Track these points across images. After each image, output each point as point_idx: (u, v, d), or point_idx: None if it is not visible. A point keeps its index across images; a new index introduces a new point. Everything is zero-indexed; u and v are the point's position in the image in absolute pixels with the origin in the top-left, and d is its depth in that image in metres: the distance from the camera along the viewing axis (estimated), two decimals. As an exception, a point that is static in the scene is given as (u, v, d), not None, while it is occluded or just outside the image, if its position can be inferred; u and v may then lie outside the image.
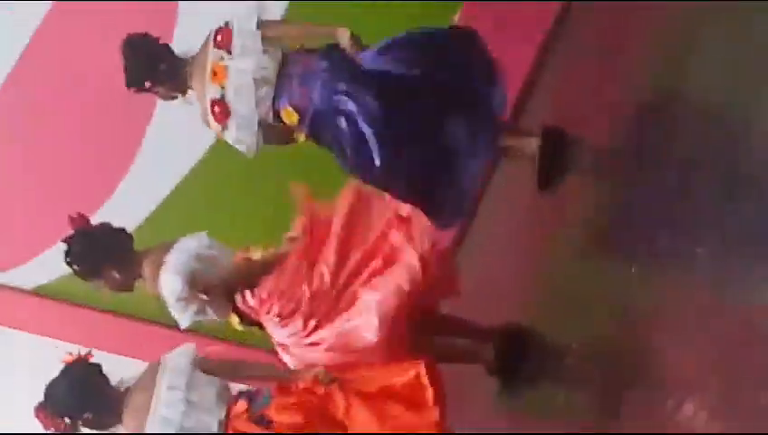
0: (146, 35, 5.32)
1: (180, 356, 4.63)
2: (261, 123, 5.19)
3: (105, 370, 4.67)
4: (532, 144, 5.35)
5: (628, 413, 3.86)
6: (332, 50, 5.16)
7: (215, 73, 5.17)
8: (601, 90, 5.27)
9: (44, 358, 5.41)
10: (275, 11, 6.21)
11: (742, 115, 3.77)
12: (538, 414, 4.65)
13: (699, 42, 4.32)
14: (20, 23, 6.49)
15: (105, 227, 4.93)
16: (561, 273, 4.95)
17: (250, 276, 4.71)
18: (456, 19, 6.47)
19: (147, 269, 4.79)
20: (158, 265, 4.74)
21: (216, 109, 5.17)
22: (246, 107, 5.16)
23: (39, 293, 6.96)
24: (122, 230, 4.93)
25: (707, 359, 3.44)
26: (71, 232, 4.88)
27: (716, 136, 3.91)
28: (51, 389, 4.57)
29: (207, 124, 5.27)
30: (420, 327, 4.72)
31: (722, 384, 3.33)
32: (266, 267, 4.71)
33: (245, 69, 5.15)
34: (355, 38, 5.21)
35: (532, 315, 5.03)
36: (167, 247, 4.81)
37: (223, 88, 5.17)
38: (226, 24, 5.25)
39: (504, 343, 4.87)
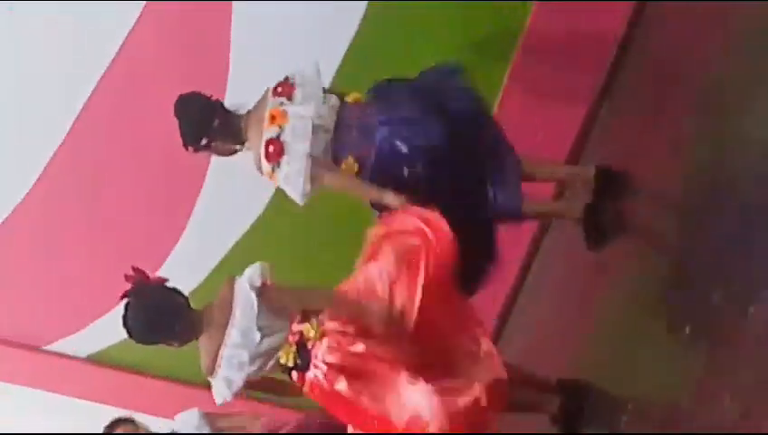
0: (196, 93, 5.33)
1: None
2: (314, 161, 5.08)
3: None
4: (579, 207, 5.41)
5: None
6: (389, 120, 5.18)
7: (273, 117, 5.13)
8: (653, 145, 5.27)
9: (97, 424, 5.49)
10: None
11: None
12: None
13: (758, 87, 4.34)
14: (79, 80, 6.51)
15: (161, 291, 4.77)
16: (615, 333, 4.94)
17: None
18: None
19: (202, 354, 4.73)
20: (212, 362, 4.68)
21: (271, 148, 5.05)
22: (302, 145, 5.04)
23: (93, 360, 6.99)
24: (178, 294, 4.81)
25: (765, 419, 3.43)
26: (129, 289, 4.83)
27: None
28: None
29: (260, 170, 5.21)
30: None
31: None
32: None
33: (305, 114, 5.10)
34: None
35: (587, 374, 5.01)
36: (223, 320, 4.69)
37: (280, 128, 5.12)
38: (286, 78, 5.25)
39: (569, 396, 4.87)
